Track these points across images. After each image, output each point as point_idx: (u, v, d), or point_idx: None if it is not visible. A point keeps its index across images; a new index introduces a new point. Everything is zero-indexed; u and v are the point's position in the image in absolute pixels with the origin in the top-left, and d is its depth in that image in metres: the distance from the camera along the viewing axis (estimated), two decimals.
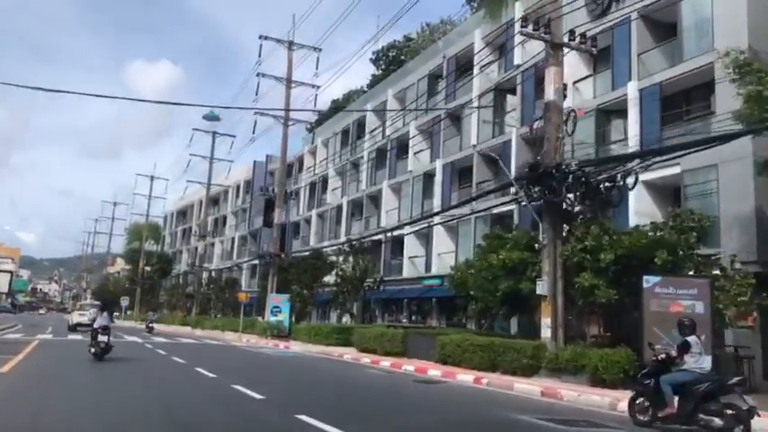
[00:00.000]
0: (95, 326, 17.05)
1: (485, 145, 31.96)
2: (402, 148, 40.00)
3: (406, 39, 56.90)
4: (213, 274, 59.31)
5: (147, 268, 79.87)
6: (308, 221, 55.08)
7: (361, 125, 46.67)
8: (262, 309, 41.48)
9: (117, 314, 33.08)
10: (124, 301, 69.88)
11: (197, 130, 54.33)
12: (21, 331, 34.41)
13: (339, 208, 48.33)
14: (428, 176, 37.02)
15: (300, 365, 18.27)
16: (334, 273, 36.60)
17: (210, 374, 13.30)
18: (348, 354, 22.52)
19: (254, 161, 66.15)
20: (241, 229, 68.10)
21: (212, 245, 73.02)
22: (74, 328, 35.37)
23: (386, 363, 18.89)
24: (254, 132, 37.08)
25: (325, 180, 52.24)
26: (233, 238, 69.40)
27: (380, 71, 57.55)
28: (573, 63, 23.47)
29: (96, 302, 36.45)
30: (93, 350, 16.66)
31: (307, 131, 66.94)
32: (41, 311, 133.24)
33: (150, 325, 42.74)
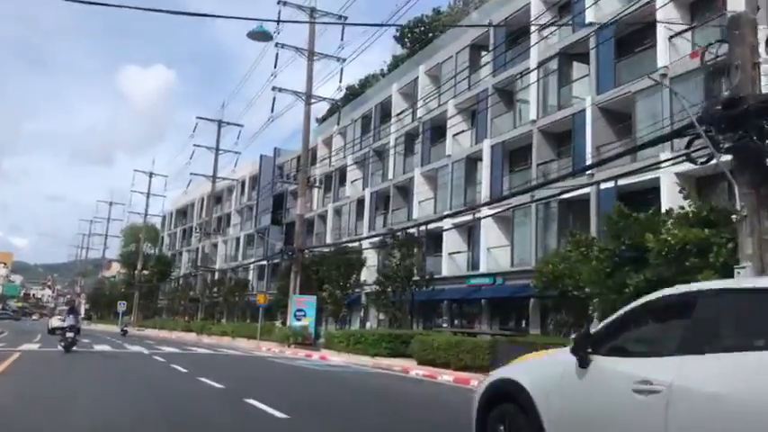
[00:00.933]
0: (64, 325, 21.11)
1: (548, 119, 27.31)
2: (437, 130, 35.24)
3: (435, 12, 52.26)
4: (218, 275, 54.42)
5: (145, 272, 75.09)
6: (322, 217, 50.25)
7: (385, 109, 41.96)
8: (278, 312, 36.75)
9: (83, 317, 38.44)
10: (121, 306, 64.60)
11: (201, 118, 49.62)
12: (5, 339, 29.60)
13: (360, 201, 43.58)
14: (471, 160, 32.29)
15: (378, 389, 13.34)
16: (365, 270, 32.00)
17: (277, 413, 8.41)
18: (413, 368, 17.81)
19: (261, 155, 61.35)
20: (247, 228, 63.21)
21: (215, 245, 68.05)
22: (53, 331, 35.40)
23: None
24: (272, 111, 32.24)
25: (342, 172, 47.46)
26: (238, 238, 64.46)
27: (405, 50, 52.86)
28: None
29: (63, 307, 39.49)
30: (62, 344, 20.01)
31: (317, 122, 62.28)
32: (34, 317, 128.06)
33: (125, 329, 45.19)
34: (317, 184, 34.42)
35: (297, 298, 30.61)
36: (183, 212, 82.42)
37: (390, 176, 39.56)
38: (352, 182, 45.36)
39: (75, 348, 20.08)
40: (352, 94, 53.66)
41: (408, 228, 26.43)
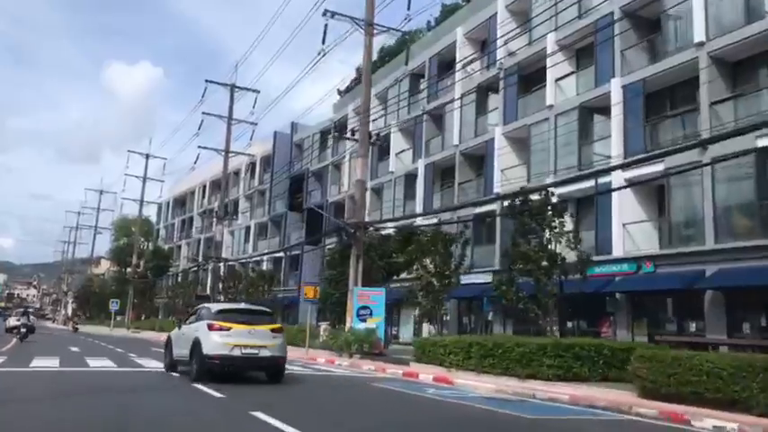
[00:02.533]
0: (19, 324, 29.23)
1: None
2: (526, 79, 27.28)
3: None
4: (229, 267, 45.97)
5: (139, 267, 66.62)
6: (353, 198, 41.94)
7: (443, 61, 33.87)
8: (325, 311, 28.58)
9: (34, 318, 39.45)
10: (114, 305, 56.08)
11: (211, 82, 41.06)
12: None
13: (410, 176, 35.44)
14: (588, 110, 24.32)
15: None
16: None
17: None
18: (639, 404, 9.82)
19: (275, 132, 52.90)
20: (258, 216, 54.79)
21: (231, 234, 59.58)
22: (10, 330, 35.31)
23: None
24: (323, 42, 23.69)
25: (382, 143, 39.25)
26: (248, 227, 56.02)
27: None
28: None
29: (20, 309, 42.64)
30: (18, 337, 27.39)
31: (339, 94, 54.02)
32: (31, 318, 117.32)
33: (76, 326, 46.30)
34: (379, 141, 25.89)
35: (360, 291, 22.41)
36: (181, 202, 73.79)
37: (455, 142, 31.41)
38: (397, 154, 37.19)
39: (56, 367, 14.62)
40: (387, 54, 45.42)
41: (530, 191, 18.17)
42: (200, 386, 10.97)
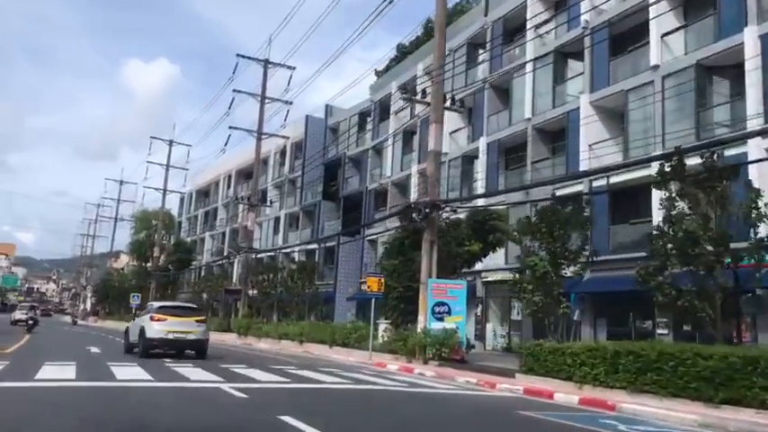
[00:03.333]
0: (25, 317, 35.49)
1: None
2: (619, 38, 23.16)
3: None
4: (261, 259, 42.24)
5: (160, 259, 63.25)
6: (400, 185, 37.98)
7: (510, 23, 29.76)
8: (386, 308, 24.62)
9: (38, 312, 44.71)
10: (135, 299, 52.60)
11: (242, 56, 37.23)
12: None
13: (468, 158, 31.40)
14: (705, 69, 20.15)
15: None
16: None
17: None
18: None
19: (307, 116, 49.00)
20: (288, 206, 51.01)
21: (259, 224, 55.88)
22: (15, 323, 38.65)
23: None
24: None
25: (460, 106, 35.21)
26: (277, 218, 52.30)
27: None
28: None
29: (25, 304, 50.01)
30: (25, 329, 31.26)
31: (376, 75, 50.03)
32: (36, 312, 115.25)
33: (75, 319, 48.75)
34: (459, 107, 21.86)
35: (435, 284, 18.44)
36: (204, 193, 70.28)
37: (527, 115, 27.31)
38: (451, 133, 33.13)
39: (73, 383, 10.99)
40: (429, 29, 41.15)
41: (688, 150, 13.89)
42: (289, 420, 7.06)
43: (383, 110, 40.60)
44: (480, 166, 29.74)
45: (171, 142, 55.58)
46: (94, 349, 19.34)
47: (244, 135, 37.99)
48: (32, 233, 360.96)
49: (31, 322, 32.54)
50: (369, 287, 19.20)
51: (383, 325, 22.43)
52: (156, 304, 18.18)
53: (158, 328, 16.25)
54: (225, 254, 42.47)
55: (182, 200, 74.43)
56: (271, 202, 40.50)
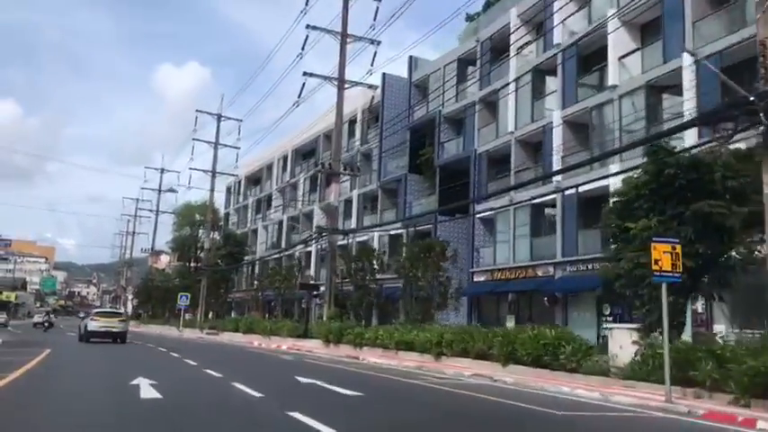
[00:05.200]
0: (42, 320, 43.83)
1: None
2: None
3: None
4: (335, 244, 33.32)
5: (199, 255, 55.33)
6: (529, 143, 28.81)
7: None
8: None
9: (54, 316, 48.54)
10: (183, 301, 44.52)
11: None
12: None
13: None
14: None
15: None
16: None
17: None
18: None
19: (384, 74, 39.98)
20: (361, 184, 42.13)
21: (322, 213, 47.24)
22: (34, 325, 45.05)
23: None
24: None
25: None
26: (348, 200, 43.45)
27: None
28: None
29: (42, 309, 55.63)
30: (42, 329, 39.98)
31: (468, 20, 40.72)
32: (81, 315, 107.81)
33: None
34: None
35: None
36: (255, 180, 61.98)
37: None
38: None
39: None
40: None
41: None
42: None
43: (495, 51, 31.44)
44: None
45: (219, 117, 47.33)
46: (146, 388, 10.41)
47: (296, 115, 29.11)
48: (74, 239, 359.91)
49: (47, 324, 42.41)
50: (659, 264, 9.81)
51: (620, 331, 13.23)
52: (94, 311, 30.99)
53: (93, 324, 25.58)
54: (309, 236, 32.80)
55: (228, 189, 66.31)
56: (358, 169, 31.40)
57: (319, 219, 47.21)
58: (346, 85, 29.12)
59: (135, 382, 10.33)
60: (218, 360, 17.22)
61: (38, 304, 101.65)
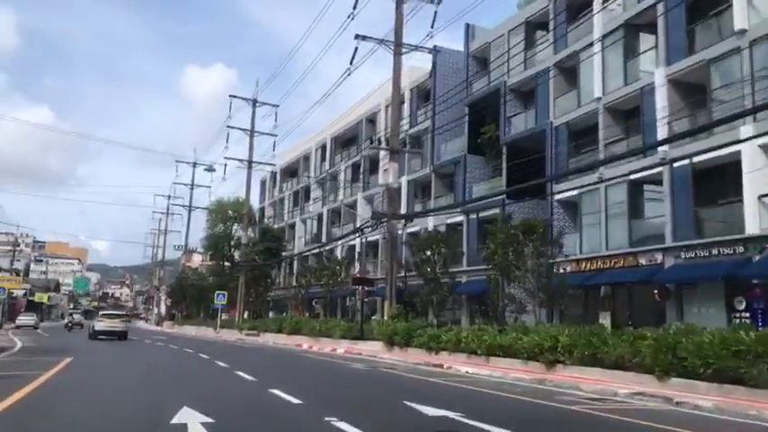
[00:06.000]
0: (75, 320, 50.30)
1: None
2: None
3: None
4: (395, 232, 29.40)
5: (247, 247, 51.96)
6: (618, 111, 24.63)
7: None
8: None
9: (84, 317, 51.53)
10: (221, 299, 41.25)
11: None
12: None
13: None
14: None
15: None
16: None
17: None
18: None
19: (435, 47, 35.89)
20: (412, 170, 38.12)
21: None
22: (66, 326, 47.13)
23: None
24: None
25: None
26: (396, 188, 39.54)
27: None
28: None
29: (74, 311, 61.46)
30: (67, 328, 46.52)
31: None
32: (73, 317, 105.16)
33: (71, 322, 49.71)
34: None
35: None
36: (291, 172, 58.47)
37: None
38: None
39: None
40: None
41: None
42: None
43: (570, 10, 27.28)
44: None
45: (254, 102, 43.79)
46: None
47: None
48: (106, 241, 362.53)
49: (70, 325, 47.87)
50: None
51: None
52: (101, 313, 34.98)
53: (100, 324, 29.92)
54: (368, 220, 28.73)
55: (263, 183, 63.01)
56: (420, 145, 27.41)
57: (363, 209, 43.51)
58: (403, 50, 25.19)
59: (178, 418, 6.60)
60: (280, 373, 13.51)
61: (71, 305, 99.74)
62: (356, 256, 40.17)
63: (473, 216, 31.29)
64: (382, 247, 39.66)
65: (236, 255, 57.45)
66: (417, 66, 38.24)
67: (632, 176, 22.17)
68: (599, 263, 23.66)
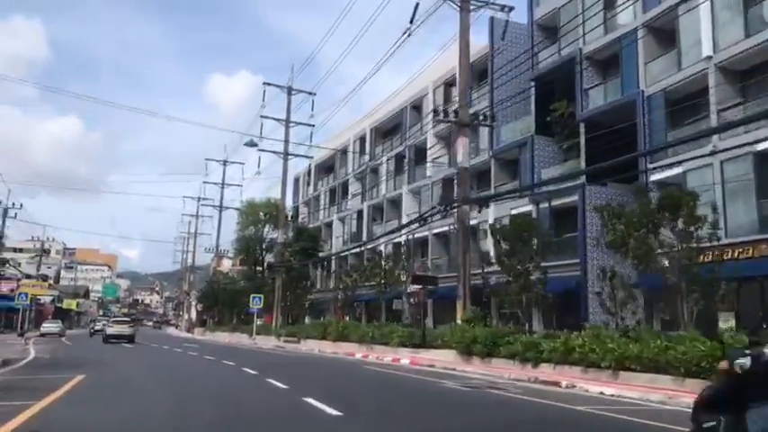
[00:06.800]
0: (98, 327, 45.08)
1: None
2: None
3: None
4: (466, 220, 25.54)
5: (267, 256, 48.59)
6: (731, 70, 20.48)
7: None
8: None
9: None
10: (256, 303, 37.84)
11: None
12: None
13: None
14: None
15: None
16: None
17: None
18: None
19: (491, 18, 31.97)
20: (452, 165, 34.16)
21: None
22: (91, 333, 48.20)
23: None
24: None
25: None
26: (444, 179, 35.70)
27: None
28: None
29: (103, 317, 59.19)
30: (92, 334, 46.20)
31: None
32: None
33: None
34: None
35: None
36: (326, 168, 54.98)
37: None
38: None
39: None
40: None
41: None
42: None
43: None
44: None
45: (290, 89, 40.31)
46: None
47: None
48: (137, 249, 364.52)
49: (92, 331, 49.02)
50: None
51: None
52: (111, 319, 41.39)
53: (110, 328, 33.71)
54: (436, 207, 24.79)
55: (296, 180, 59.61)
56: (493, 119, 23.48)
57: (408, 204, 39.72)
58: (471, 6, 21.38)
59: None
60: (366, 401, 9.70)
61: (100, 312, 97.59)
62: (402, 253, 36.28)
63: (544, 205, 27.28)
64: (432, 243, 35.90)
65: (269, 257, 54.23)
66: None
67: (759, 146, 18.02)
68: (715, 253, 19.46)
